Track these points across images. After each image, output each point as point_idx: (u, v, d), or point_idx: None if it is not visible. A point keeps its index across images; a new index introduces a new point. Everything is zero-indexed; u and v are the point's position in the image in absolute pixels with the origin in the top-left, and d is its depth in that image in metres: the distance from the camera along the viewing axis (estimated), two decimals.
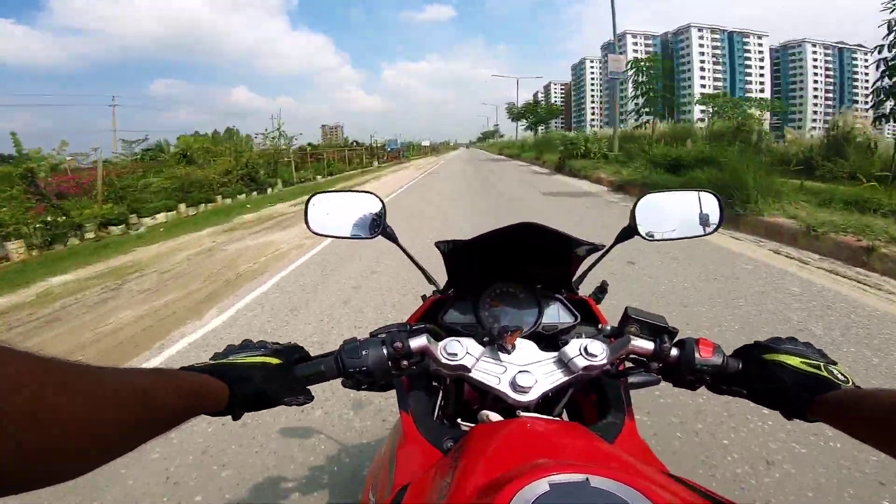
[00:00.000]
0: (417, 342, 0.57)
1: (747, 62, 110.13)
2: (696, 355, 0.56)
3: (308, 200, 0.93)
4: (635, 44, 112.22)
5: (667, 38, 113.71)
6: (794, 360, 0.52)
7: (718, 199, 0.86)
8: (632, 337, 0.59)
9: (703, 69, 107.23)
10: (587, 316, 0.81)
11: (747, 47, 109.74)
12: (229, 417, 0.51)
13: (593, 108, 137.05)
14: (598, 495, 0.33)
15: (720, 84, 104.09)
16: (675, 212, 0.88)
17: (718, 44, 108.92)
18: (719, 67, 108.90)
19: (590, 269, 0.93)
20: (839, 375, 0.50)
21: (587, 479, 0.34)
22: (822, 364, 0.52)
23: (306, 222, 0.92)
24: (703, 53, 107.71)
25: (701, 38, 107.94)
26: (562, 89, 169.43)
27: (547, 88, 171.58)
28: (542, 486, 0.33)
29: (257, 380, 0.52)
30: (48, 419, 0.26)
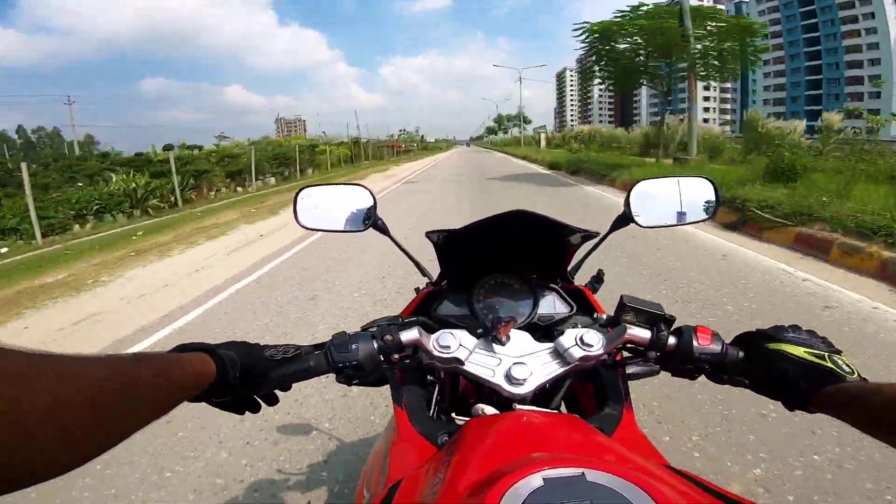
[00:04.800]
0: (408, 335, 0.56)
1: None
2: (695, 343, 0.55)
3: (297, 194, 0.91)
4: None
5: None
6: (797, 351, 0.51)
7: (713, 184, 0.85)
8: (628, 326, 0.57)
9: None
10: (583, 306, 0.80)
11: None
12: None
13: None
14: (594, 490, 0.32)
15: None
16: (670, 198, 0.87)
17: None
18: None
19: (585, 257, 0.92)
20: (844, 366, 0.49)
21: (583, 473, 0.33)
22: (826, 354, 0.50)
23: (295, 216, 0.90)
24: None
25: None
26: None
27: (585, 63, 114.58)
28: (535, 480, 0.32)
29: (244, 350, 0.52)
30: (5, 413, 0.24)
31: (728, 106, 77.99)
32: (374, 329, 0.57)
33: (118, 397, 0.32)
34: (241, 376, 0.50)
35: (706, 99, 74.83)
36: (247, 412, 0.57)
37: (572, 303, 0.80)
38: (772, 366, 0.52)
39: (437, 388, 0.77)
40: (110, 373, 0.33)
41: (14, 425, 0.24)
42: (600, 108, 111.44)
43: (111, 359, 0.34)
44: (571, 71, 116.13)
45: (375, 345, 0.55)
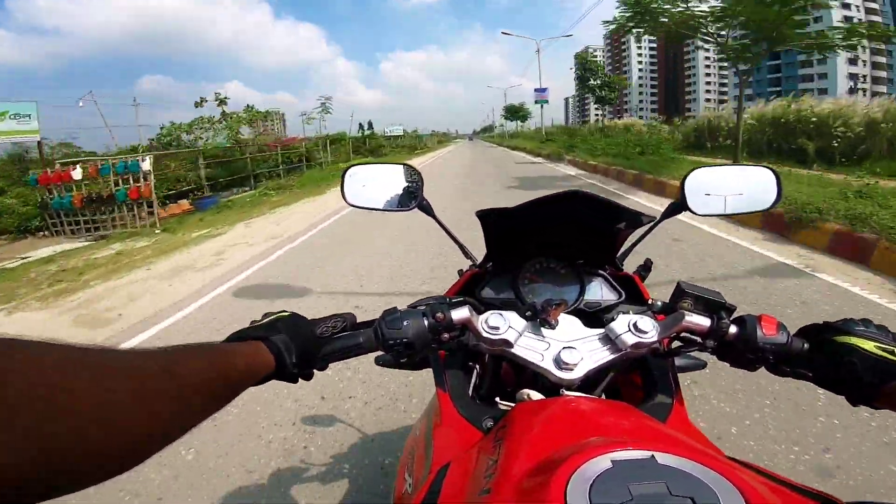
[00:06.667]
0: (459, 314, 0.55)
1: None
2: (759, 333, 0.53)
3: (344, 172, 0.91)
4: None
5: None
6: (867, 345, 0.49)
7: (776, 174, 0.81)
8: (686, 313, 0.55)
9: None
10: (632, 293, 0.78)
11: None
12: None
13: None
14: (666, 472, 0.31)
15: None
16: (726, 187, 0.83)
17: None
18: None
19: (634, 245, 0.89)
20: None
21: (653, 455, 0.32)
22: None
23: (342, 194, 0.91)
24: None
25: None
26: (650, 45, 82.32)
27: (616, 45, 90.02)
28: (603, 462, 0.31)
29: (295, 331, 0.51)
30: (52, 410, 0.22)
31: (884, 74, 55.99)
32: (425, 307, 0.57)
33: (170, 392, 0.31)
34: (296, 360, 0.49)
35: (851, 62, 53.33)
36: (300, 380, 0.57)
37: (621, 290, 0.78)
38: (839, 359, 0.50)
39: (474, 373, 0.77)
40: (160, 367, 0.31)
41: (62, 424, 0.22)
42: (640, 95, 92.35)
43: (160, 352, 0.33)
44: (594, 50, 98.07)
45: (426, 322, 0.55)
